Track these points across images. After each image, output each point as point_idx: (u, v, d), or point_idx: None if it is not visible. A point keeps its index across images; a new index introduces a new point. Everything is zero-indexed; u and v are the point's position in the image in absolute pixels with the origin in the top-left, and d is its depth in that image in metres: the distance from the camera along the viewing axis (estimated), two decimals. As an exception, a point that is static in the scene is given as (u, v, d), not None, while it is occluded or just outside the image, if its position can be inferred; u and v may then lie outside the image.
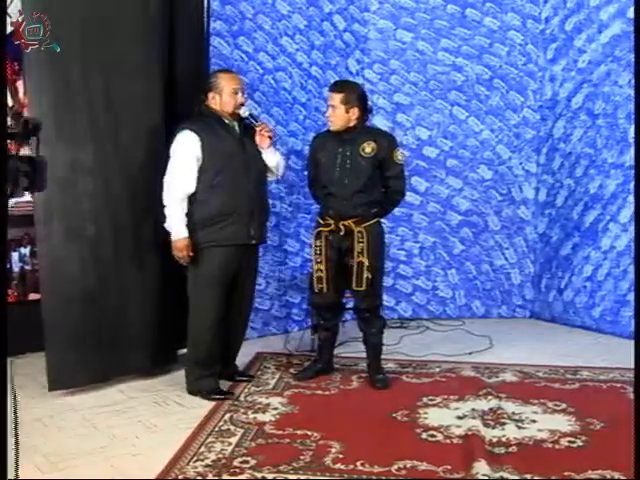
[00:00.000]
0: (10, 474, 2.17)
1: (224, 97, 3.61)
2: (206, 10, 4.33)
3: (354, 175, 3.70)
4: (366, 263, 3.68)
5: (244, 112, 3.65)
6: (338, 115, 3.69)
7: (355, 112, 3.69)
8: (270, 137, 3.70)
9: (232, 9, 4.62)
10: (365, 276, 3.68)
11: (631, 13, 4.73)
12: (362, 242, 3.69)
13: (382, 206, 3.85)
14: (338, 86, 3.80)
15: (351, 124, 3.71)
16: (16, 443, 2.15)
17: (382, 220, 3.91)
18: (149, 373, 3.97)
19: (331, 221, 3.74)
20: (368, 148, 3.70)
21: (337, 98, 3.68)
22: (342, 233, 3.71)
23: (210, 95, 3.64)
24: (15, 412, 2.11)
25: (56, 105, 3.61)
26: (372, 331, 3.84)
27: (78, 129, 3.69)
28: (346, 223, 3.71)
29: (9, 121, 4.05)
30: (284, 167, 4.02)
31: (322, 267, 3.76)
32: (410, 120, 5.49)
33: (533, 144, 5.56)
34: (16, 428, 2.11)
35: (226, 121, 3.64)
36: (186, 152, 3.55)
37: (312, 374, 3.94)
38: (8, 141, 1.71)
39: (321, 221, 3.81)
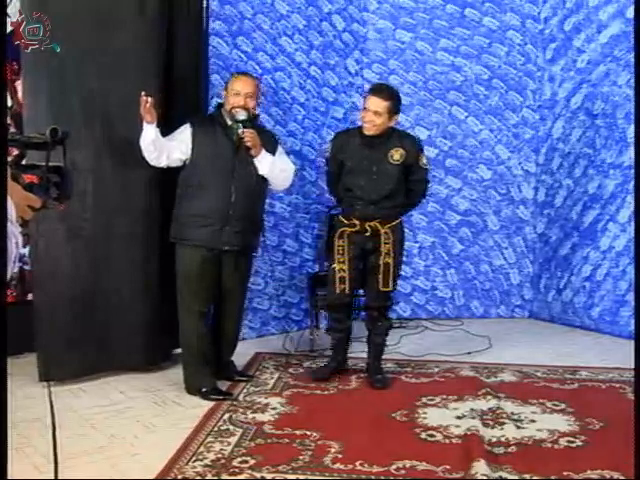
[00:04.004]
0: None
1: (228, 97, 3.65)
2: (205, 10, 4.33)
3: (382, 181, 3.69)
4: (392, 264, 3.71)
5: (240, 116, 3.57)
6: (381, 123, 3.61)
7: (395, 119, 3.68)
8: (248, 148, 3.56)
9: (231, 9, 4.62)
10: (392, 277, 3.72)
11: (630, 13, 4.74)
12: (388, 243, 3.71)
13: (404, 207, 3.87)
14: (385, 93, 3.63)
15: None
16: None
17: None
18: (143, 371, 3.98)
19: (356, 221, 3.74)
20: (396, 155, 3.67)
21: (384, 106, 3.58)
22: (368, 234, 3.72)
23: (223, 93, 3.73)
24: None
25: (52, 105, 3.61)
26: (377, 331, 3.85)
27: (75, 129, 3.67)
28: (372, 224, 3.71)
29: (11, 125, 4.10)
30: (286, 177, 3.81)
31: (345, 267, 3.74)
32: (409, 120, 5.48)
33: (532, 144, 5.57)
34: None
35: (229, 122, 3.64)
36: (176, 132, 3.64)
37: (328, 373, 3.92)
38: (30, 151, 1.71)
39: (345, 220, 3.79)
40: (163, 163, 3.60)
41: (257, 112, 3.78)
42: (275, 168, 3.69)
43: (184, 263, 3.65)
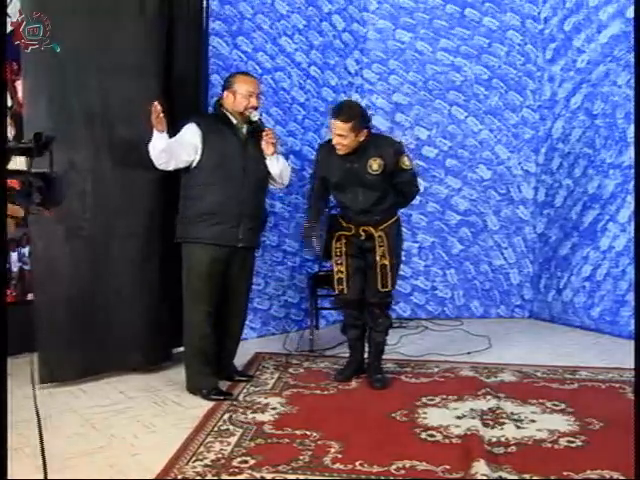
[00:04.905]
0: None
1: (237, 97, 3.64)
2: (205, 10, 4.33)
3: (367, 192, 3.70)
4: (388, 265, 3.73)
5: (254, 116, 3.64)
6: (349, 143, 3.61)
7: (364, 133, 3.64)
8: (273, 144, 3.66)
9: (231, 9, 4.62)
10: (389, 277, 3.74)
11: (630, 13, 4.74)
12: (383, 245, 3.73)
13: (397, 204, 3.87)
14: (343, 115, 3.58)
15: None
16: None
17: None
18: (144, 371, 3.98)
19: (352, 226, 3.77)
20: (375, 165, 3.65)
21: (346, 128, 3.57)
22: (363, 238, 3.76)
23: (225, 93, 3.69)
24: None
25: (52, 105, 3.62)
26: (378, 329, 3.85)
27: (75, 129, 3.70)
28: (366, 228, 3.74)
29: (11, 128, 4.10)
30: (289, 176, 3.91)
31: (342, 269, 3.80)
32: (409, 120, 5.49)
33: (532, 144, 5.57)
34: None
35: (234, 122, 3.66)
36: (184, 134, 3.60)
37: (349, 375, 3.92)
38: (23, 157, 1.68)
39: (343, 223, 3.81)
40: (171, 167, 3.60)
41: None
42: (284, 167, 3.80)
43: (193, 262, 3.63)
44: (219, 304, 3.73)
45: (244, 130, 3.67)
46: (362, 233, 3.76)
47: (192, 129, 3.60)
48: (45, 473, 2.16)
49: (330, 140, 3.87)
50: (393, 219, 3.82)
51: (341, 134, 3.59)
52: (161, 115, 3.38)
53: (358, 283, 3.81)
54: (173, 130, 3.67)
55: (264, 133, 3.65)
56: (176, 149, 3.55)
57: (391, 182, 3.73)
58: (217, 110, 3.75)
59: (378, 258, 3.73)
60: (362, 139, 3.64)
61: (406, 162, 3.72)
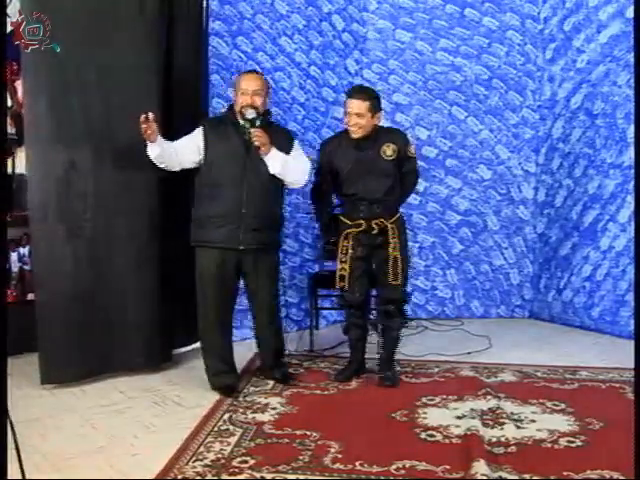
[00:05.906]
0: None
1: (236, 96, 3.64)
2: (205, 10, 4.33)
3: (381, 179, 3.71)
4: (400, 258, 3.75)
5: (249, 114, 3.56)
6: (366, 124, 3.63)
7: (380, 116, 3.69)
8: (258, 147, 3.52)
9: (231, 9, 4.62)
10: (400, 270, 3.75)
11: (630, 13, 4.74)
12: (395, 237, 3.75)
13: (401, 198, 3.91)
14: (363, 94, 3.65)
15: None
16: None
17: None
18: (144, 371, 3.98)
19: (362, 221, 3.75)
20: (389, 151, 3.69)
21: (364, 107, 3.60)
22: (375, 232, 3.75)
23: (232, 93, 3.73)
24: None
25: (53, 106, 3.62)
26: (394, 326, 3.86)
27: (75, 129, 3.70)
28: (378, 221, 3.74)
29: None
30: (300, 172, 3.71)
31: (346, 266, 3.80)
32: (409, 120, 5.49)
33: (532, 144, 5.57)
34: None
35: (241, 122, 3.60)
36: (189, 136, 3.63)
37: (349, 375, 3.93)
38: None
39: (348, 221, 3.80)
40: (177, 169, 3.62)
41: (268, 108, 3.73)
42: (287, 166, 3.63)
43: (203, 266, 3.62)
44: (232, 306, 3.75)
45: (250, 130, 3.57)
46: (375, 226, 3.74)
47: (197, 131, 3.63)
48: (22, 473, 2.19)
49: (334, 136, 3.88)
50: (398, 214, 3.85)
51: (359, 113, 3.61)
52: (147, 129, 3.35)
53: (363, 285, 3.81)
54: (172, 130, 3.68)
55: (251, 135, 3.52)
56: (177, 151, 3.56)
57: (400, 170, 3.76)
58: (227, 110, 3.75)
59: (391, 250, 3.73)
60: (377, 122, 3.68)
61: (412, 150, 3.82)
